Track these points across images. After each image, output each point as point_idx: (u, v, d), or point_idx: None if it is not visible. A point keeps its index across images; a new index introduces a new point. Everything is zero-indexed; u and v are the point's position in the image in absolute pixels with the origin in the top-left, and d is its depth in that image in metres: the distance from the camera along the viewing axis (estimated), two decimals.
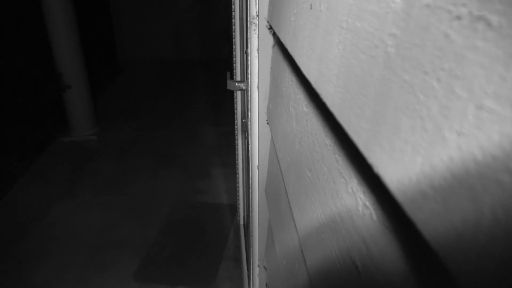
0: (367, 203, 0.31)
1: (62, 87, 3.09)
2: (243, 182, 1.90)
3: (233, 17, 1.58)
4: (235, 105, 1.76)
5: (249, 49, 0.83)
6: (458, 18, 0.18)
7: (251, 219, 1.03)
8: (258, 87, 0.85)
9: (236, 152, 1.87)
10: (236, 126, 1.83)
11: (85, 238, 2.17)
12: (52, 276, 1.91)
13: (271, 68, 0.82)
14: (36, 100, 3.10)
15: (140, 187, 2.62)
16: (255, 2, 0.78)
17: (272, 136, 0.84)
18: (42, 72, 3.15)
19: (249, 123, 0.91)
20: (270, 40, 0.80)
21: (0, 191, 2.55)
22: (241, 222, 2.06)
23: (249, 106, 0.89)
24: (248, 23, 0.81)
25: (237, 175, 1.94)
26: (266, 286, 1.07)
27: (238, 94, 1.73)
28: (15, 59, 2.87)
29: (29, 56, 3.03)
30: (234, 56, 1.62)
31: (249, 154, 0.96)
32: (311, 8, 0.43)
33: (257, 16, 0.79)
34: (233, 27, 1.59)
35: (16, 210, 2.43)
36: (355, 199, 0.34)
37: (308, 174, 0.51)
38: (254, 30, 0.80)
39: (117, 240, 2.14)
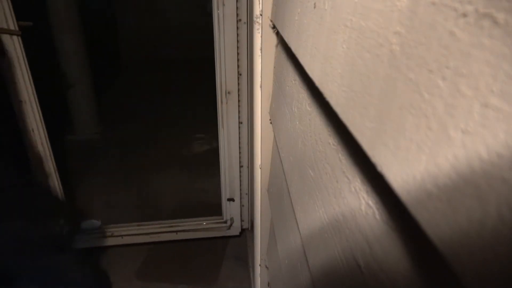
0: (370, 202, 0.31)
1: (66, 86, 3.10)
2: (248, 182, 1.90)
3: None
4: None
5: (252, 48, 0.83)
6: (464, 15, 0.18)
7: (253, 218, 1.03)
8: (261, 87, 0.85)
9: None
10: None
11: None
12: None
13: (274, 67, 0.82)
14: (40, 99, 3.11)
15: (143, 185, 2.63)
16: (259, 1, 0.78)
17: (275, 135, 0.84)
18: (46, 71, 3.16)
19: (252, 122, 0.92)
20: (274, 39, 0.80)
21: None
22: None
23: (252, 105, 0.89)
24: (252, 22, 0.81)
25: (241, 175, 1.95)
26: (268, 285, 1.07)
27: None
28: None
29: (32, 55, 3.04)
30: None
31: (252, 154, 0.96)
32: (315, 7, 0.43)
33: (261, 15, 0.79)
34: None
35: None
36: (358, 199, 0.34)
37: (311, 174, 0.51)
38: (258, 29, 0.80)
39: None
